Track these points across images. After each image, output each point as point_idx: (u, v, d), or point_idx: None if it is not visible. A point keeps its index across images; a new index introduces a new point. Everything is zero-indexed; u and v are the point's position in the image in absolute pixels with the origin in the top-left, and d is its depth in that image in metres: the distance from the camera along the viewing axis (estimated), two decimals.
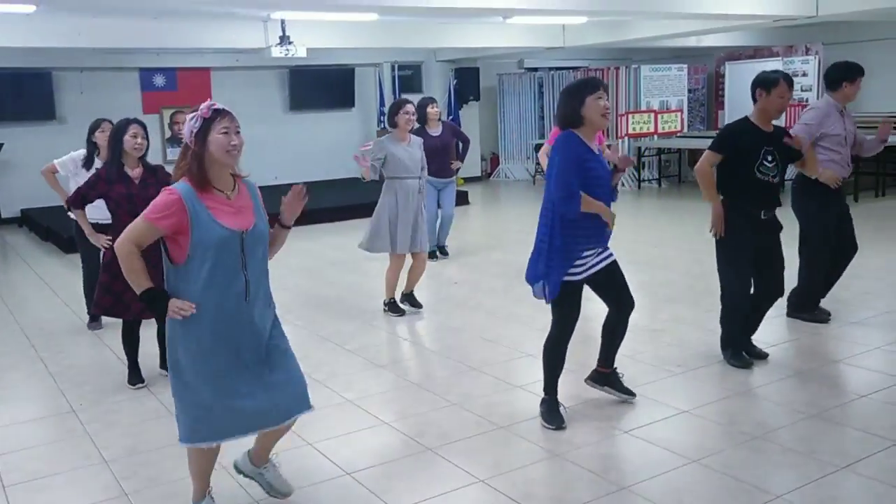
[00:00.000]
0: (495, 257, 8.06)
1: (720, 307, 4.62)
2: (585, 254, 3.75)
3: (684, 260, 7.43)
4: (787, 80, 4.39)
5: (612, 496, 3.16)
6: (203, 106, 2.80)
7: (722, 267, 4.51)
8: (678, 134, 13.74)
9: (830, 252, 5.20)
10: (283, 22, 9.57)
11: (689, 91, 14.50)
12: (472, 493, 3.26)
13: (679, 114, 13.82)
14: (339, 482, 3.39)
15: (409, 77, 14.72)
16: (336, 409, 4.24)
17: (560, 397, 3.91)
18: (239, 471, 3.25)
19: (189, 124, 2.79)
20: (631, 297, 3.95)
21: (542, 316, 4.43)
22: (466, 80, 14.65)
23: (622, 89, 13.48)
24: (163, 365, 4.77)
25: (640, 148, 13.34)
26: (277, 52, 9.58)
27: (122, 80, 12.29)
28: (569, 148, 3.66)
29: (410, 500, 3.20)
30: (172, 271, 2.81)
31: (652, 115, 13.51)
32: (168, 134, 12.53)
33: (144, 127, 4.57)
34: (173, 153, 12.55)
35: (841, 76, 5.10)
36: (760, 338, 5.01)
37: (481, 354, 5.02)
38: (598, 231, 3.76)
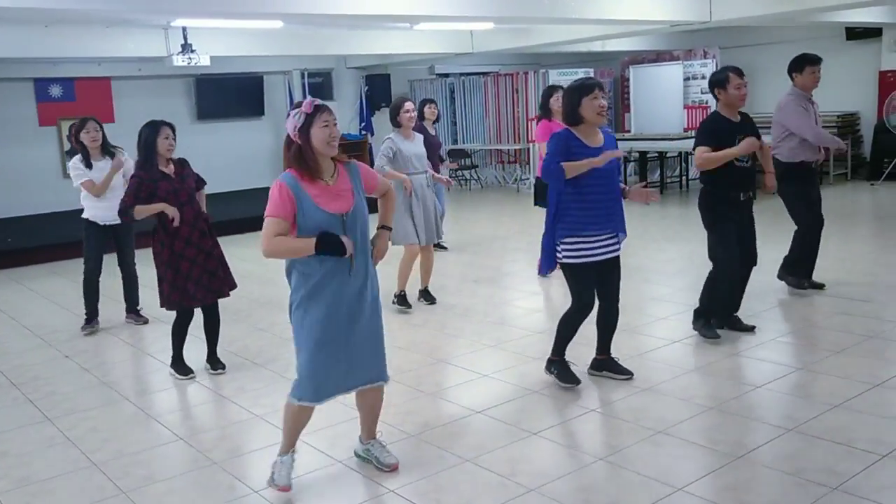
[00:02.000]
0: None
1: (705, 281, 5.02)
2: (589, 234, 4.09)
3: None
4: (736, 70, 4.80)
5: (519, 499, 3.18)
6: (305, 102, 3.09)
7: (713, 245, 4.94)
8: None
9: (817, 225, 5.84)
10: (184, 29, 9.30)
11: None
12: (381, 500, 3.24)
13: None
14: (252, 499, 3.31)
15: (319, 84, 14.57)
16: (243, 424, 4.15)
17: (472, 403, 3.93)
18: (357, 455, 3.58)
19: (292, 119, 3.07)
20: (617, 292, 4.33)
21: (462, 324, 4.40)
22: (378, 86, 14.61)
23: (531, 94, 13.70)
24: (209, 360, 4.98)
25: None
26: (180, 60, 9.31)
27: (14, 90, 11.73)
28: (557, 141, 4.11)
29: None
30: None
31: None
32: (67, 146, 12.07)
33: (173, 128, 4.76)
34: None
35: (792, 68, 5.70)
36: (664, 335, 5.18)
37: (396, 362, 5.00)
38: (601, 214, 4.11)
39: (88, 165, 5.94)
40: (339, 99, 14.97)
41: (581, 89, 4.07)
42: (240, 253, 8.89)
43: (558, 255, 4.16)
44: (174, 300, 4.70)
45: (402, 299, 6.16)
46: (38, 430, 4.23)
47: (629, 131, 14.44)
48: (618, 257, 4.26)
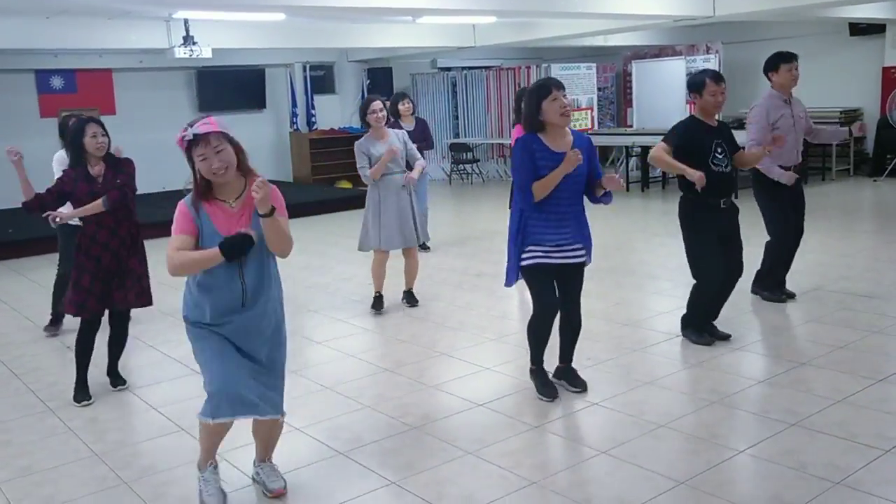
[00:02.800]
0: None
1: (690, 290, 4.87)
2: (549, 242, 3.91)
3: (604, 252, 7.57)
4: (714, 76, 4.63)
5: (521, 492, 3.18)
6: (178, 135, 2.83)
7: (693, 255, 4.76)
8: (588, 131, 14.03)
9: (792, 235, 5.55)
10: (186, 22, 9.30)
11: (599, 89, 14.82)
12: (384, 496, 3.23)
13: (589, 111, 14.12)
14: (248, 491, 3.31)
15: (321, 77, 14.56)
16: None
17: (474, 396, 3.92)
18: (252, 479, 3.39)
19: (181, 141, 2.85)
20: (577, 305, 4.14)
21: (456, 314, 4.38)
22: (379, 80, 14.60)
23: None
24: (110, 373, 4.72)
25: None
26: (181, 52, 9.31)
27: (16, 82, 11.72)
28: (521, 149, 3.90)
29: None
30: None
31: None
32: None
33: (102, 124, 4.47)
34: None
35: (767, 68, 5.43)
36: (667, 329, 5.18)
37: (397, 355, 5.00)
38: (558, 223, 3.92)
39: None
40: (341, 92, 14.97)
41: (539, 91, 3.83)
42: None
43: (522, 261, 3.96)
44: (89, 306, 4.39)
45: (376, 302, 5.97)
46: (39, 420, 4.23)
47: (631, 126, 14.42)
48: (581, 264, 4.05)
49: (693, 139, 4.58)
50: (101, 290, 4.39)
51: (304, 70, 14.13)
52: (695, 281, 4.81)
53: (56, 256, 6.09)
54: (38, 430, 4.10)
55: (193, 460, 3.62)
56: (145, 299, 4.58)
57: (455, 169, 14.60)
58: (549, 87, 3.81)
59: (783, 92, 5.42)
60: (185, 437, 3.92)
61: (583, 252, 4.03)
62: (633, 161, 13.50)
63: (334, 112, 14.77)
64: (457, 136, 15.20)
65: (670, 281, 6.49)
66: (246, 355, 3.01)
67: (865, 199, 10.72)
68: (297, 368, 4.69)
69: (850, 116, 12.43)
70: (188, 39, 9.35)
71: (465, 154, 14.54)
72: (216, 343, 2.97)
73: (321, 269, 7.60)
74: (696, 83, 4.66)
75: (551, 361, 4.27)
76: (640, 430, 3.70)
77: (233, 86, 13.32)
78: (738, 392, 4.10)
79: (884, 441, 3.43)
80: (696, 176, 4.40)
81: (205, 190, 2.89)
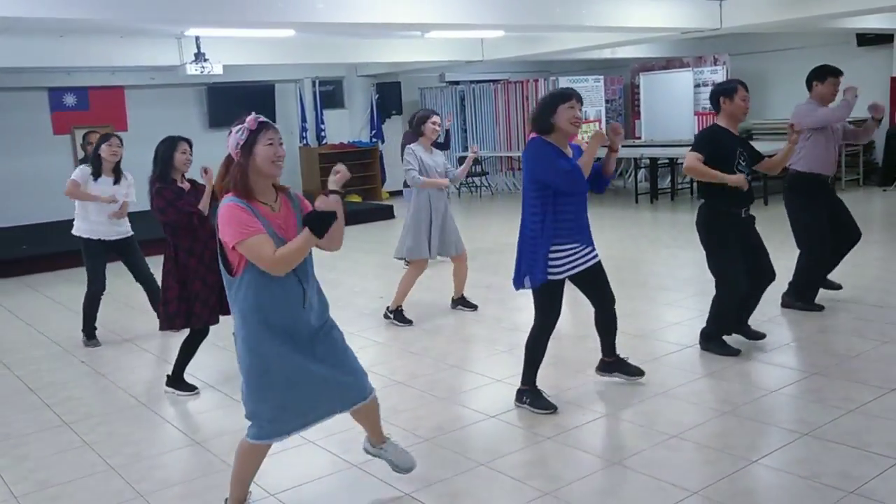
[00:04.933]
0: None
1: (711, 304, 4.87)
2: (568, 247, 3.97)
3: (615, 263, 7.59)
4: (743, 84, 4.74)
5: (534, 503, 3.19)
6: (249, 118, 2.85)
7: (716, 265, 4.77)
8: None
9: (829, 243, 5.58)
10: (197, 39, 9.40)
11: (607, 101, 14.87)
12: None
13: (598, 124, 14.16)
14: None
15: (330, 92, 14.67)
16: None
17: (486, 408, 3.93)
18: (366, 451, 3.43)
19: (234, 136, 2.85)
20: (611, 294, 4.27)
21: (468, 326, 4.37)
22: (388, 94, 14.69)
23: None
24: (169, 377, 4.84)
25: None
26: (193, 69, 9.40)
27: (29, 100, 11.87)
28: (538, 148, 3.95)
29: None
30: (234, 283, 2.86)
31: None
32: (81, 155, 12.17)
33: (190, 143, 4.76)
34: None
35: (810, 78, 5.56)
36: (677, 340, 5.19)
37: (410, 368, 5.02)
38: (581, 225, 4.03)
39: (95, 176, 5.88)
40: (350, 107, 15.07)
41: (560, 96, 3.93)
42: None
43: (528, 280, 4.01)
44: (180, 317, 4.60)
45: (399, 314, 6.02)
46: (55, 435, 4.27)
47: (640, 138, 14.45)
48: (600, 261, 4.14)
49: (720, 146, 4.63)
50: (214, 301, 4.59)
51: (314, 85, 14.24)
52: (716, 291, 4.82)
53: (63, 273, 6.14)
54: (55, 444, 4.14)
55: (208, 472, 3.66)
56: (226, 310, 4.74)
57: (464, 182, 14.65)
58: (571, 94, 3.94)
59: (822, 103, 5.52)
60: (199, 451, 3.95)
61: (595, 251, 4.13)
62: (641, 172, 13.52)
63: (343, 126, 14.87)
64: (465, 149, 15.26)
65: (681, 292, 6.50)
66: (309, 356, 2.94)
67: (875, 208, 10.70)
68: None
69: (859, 127, 12.40)
70: (199, 56, 9.44)
71: (474, 167, 14.59)
72: (283, 362, 2.88)
73: (332, 283, 7.63)
74: (729, 88, 4.72)
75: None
76: (652, 440, 3.71)
77: (243, 101, 13.39)
78: (750, 402, 4.10)
79: None
80: (738, 180, 4.50)
81: (247, 192, 2.84)
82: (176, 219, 4.59)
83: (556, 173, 3.90)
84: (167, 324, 4.69)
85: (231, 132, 2.86)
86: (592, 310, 4.33)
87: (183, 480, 3.62)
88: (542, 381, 4.55)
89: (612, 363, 4.45)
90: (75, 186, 5.88)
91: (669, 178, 12.71)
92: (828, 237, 5.57)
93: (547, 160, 3.91)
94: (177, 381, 4.77)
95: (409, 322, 6.01)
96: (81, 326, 6.03)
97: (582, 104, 3.96)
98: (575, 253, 4.00)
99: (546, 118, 3.93)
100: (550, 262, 3.97)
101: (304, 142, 14.31)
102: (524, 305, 6.49)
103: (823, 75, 5.54)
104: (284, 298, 2.87)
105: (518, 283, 4.10)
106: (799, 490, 3.16)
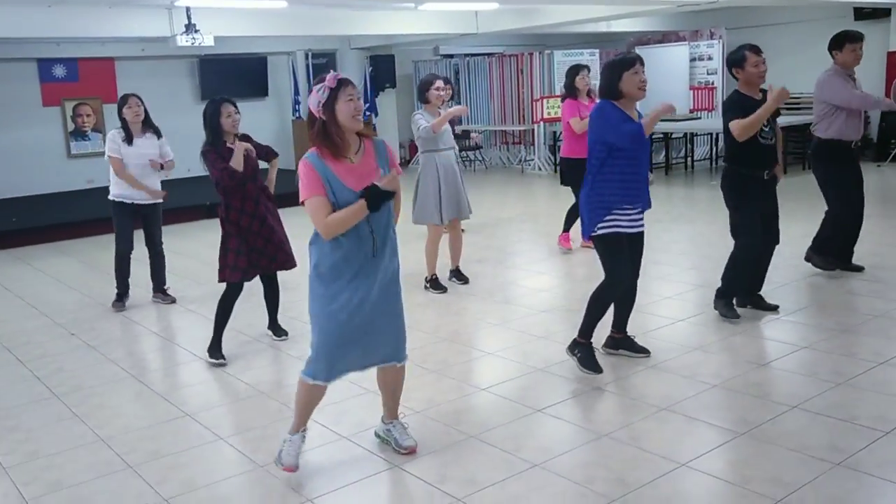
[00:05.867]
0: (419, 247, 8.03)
1: (727, 261, 4.96)
2: (626, 207, 4.09)
3: None
4: (752, 48, 4.75)
5: (523, 474, 3.20)
6: (328, 76, 3.00)
7: (736, 221, 4.89)
8: None
9: (854, 207, 5.74)
10: (188, 9, 9.26)
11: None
12: (386, 480, 3.27)
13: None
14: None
15: (323, 65, 14.51)
16: (247, 401, 4.18)
17: (478, 382, 3.93)
18: (377, 435, 3.55)
19: (316, 95, 2.98)
20: (639, 268, 4.32)
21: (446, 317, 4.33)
22: (382, 67, 14.55)
23: (536, 74, 13.64)
24: (271, 326, 5.16)
25: (555, 132, 13.54)
26: (183, 40, 9.27)
27: (18, 71, 11.72)
28: (604, 111, 4.06)
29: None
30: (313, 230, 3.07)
31: None
32: (71, 127, 12.08)
33: (234, 103, 4.77)
34: (77, 147, 12.11)
35: (832, 46, 5.57)
36: (669, 314, 5.19)
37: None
38: (638, 186, 4.12)
39: (128, 141, 5.87)
40: None
41: (623, 63, 4.01)
42: None
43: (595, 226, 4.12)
44: (239, 267, 4.67)
45: (434, 282, 6.10)
46: (45, 407, 4.26)
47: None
48: (643, 233, 4.25)
49: (745, 112, 4.66)
50: (272, 251, 4.76)
51: (307, 58, 14.10)
52: (733, 248, 4.93)
53: (54, 246, 6.11)
54: (44, 416, 4.14)
55: (198, 445, 3.67)
56: (291, 262, 4.88)
57: (458, 156, 14.57)
58: (634, 60, 4.01)
59: (846, 68, 5.55)
60: (190, 423, 3.95)
61: (643, 220, 4.22)
62: None
63: None
64: (459, 122, 15.16)
65: (673, 266, 6.50)
66: (365, 310, 3.10)
67: (870, 183, 10.56)
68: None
69: None
70: (190, 27, 9.31)
71: (467, 141, 14.52)
72: (339, 312, 3.08)
73: None
74: (737, 59, 4.75)
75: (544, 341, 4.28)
76: (642, 413, 3.72)
77: (235, 74, 13.29)
78: (738, 375, 4.11)
79: (885, 423, 3.44)
80: (781, 91, 4.48)
81: (333, 148, 3.00)
82: (219, 177, 4.62)
83: (619, 135, 4.01)
84: (226, 274, 4.72)
85: (312, 92, 3.01)
86: (587, 285, 4.31)
87: (172, 452, 3.61)
88: (531, 354, 4.57)
89: (620, 339, 4.46)
90: (120, 166, 5.89)
91: (664, 153, 12.67)
92: (854, 202, 5.73)
93: (612, 122, 4.01)
94: (214, 346, 4.79)
95: (443, 290, 6.06)
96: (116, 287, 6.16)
97: (644, 66, 4.03)
98: (627, 215, 4.10)
99: (613, 86, 4.02)
100: (607, 219, 4.08)
101: (297, 115, 14.20)
102: (516, 279, 6.50)
103: (841, 42, 5.53)
104: (357, 245, 3.05)
105: (585, 235, 4.25)
106: (787, 462, 3.17)
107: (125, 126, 5.89)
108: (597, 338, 4.37)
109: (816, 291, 5.58)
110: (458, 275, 6.31)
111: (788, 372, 4.15)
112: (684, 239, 7.67)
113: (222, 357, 4.75)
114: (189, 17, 9.33)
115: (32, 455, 3.66)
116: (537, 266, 6.98)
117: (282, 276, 5.03)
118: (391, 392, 3.46)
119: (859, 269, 5.92)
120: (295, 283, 5.42)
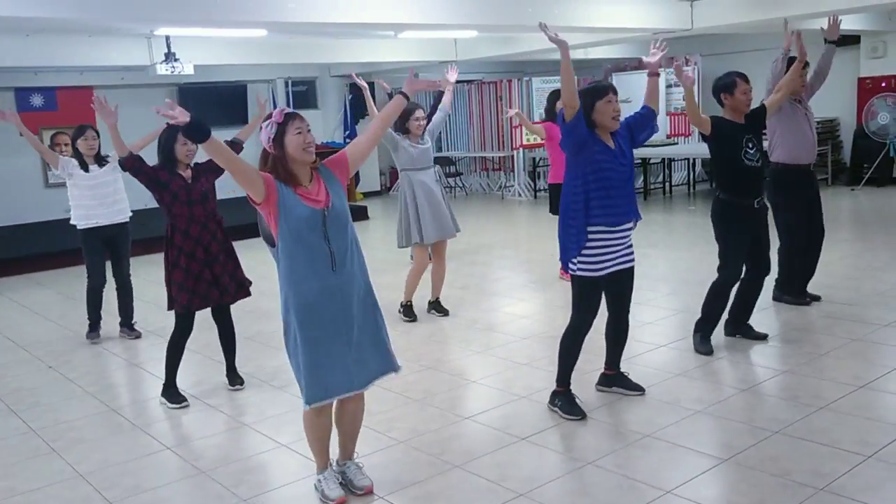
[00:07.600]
0: (400, 275, 8.02)
1: (707, 291, 4.91)
2: (613, 227, 3.91)
3: None
4: (741, 76, 4.77)
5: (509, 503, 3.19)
6: (275, 112, 3.07)
7: (724, 253, 4.82)
8: None
9: (806, 237, 5.65)
10: (167, 38, 9.29)
11: None
12: None
13: None
14: None
15: (303, 93, 14.58)
16: (231, 433, 4.13)
17: (462, 411, 3.92)
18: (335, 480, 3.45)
19: (265, 132, 3.06)
20: (627, 311, 4.21)
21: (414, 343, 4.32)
22: (362, 95, 14.60)
23: (514, 101, 13.76)
24: (228, 373, 4.83)
25: (534, 158, 13.64)
26: (163, 69, 9.28)
27: None
28: (580, 119, 3.87)
29: None
30: (275, 254, 3.11)
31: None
32: None
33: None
34: (55, 176, 11.99)
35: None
36: (650, 340, 5.21)
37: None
38: (616, 203, 3.91)
39: (84, 168, 5.88)
40: (324, 107, 14.99)
41: (595, 92, 3.88)
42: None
43: (573, 264, 3.94)
44: (182, 302, 4.46)
45: (408, 310, 6.04)
46: (22, 441, 4.19)
47: None
48: (632, 269, 4.11)
49: (723, 134, 4.66)
50: (215, 281, 4.52)
51: (287, 85, 14.15)
52: (716, 277, 4.87)
53: (31, 277, 6.03)
54: (21, 451, 4.06)
55: (179, 479, 3.62)
56: (244, 292, 4.70)
57: (439, 175, 14.62)
58: (606, 89, 3.91)
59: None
60: (169, 456, 3.89)
61: (633, 254, 4.08)
62: None
63: (317, 127, 14.74)
64: (440, 149, 15.24)
65: (653, 291, 6.54)
66: (343, 327, 3.12)
67: (844, 208, 10.84)
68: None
69: (828, 127, 12.60)
70: (170, 56, 9.33)
71: (448, 167, 14.58)
72: (319, 336, 3.08)
73: None
74: (727, 84, 4.74)
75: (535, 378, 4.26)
76: (625, 440, 3.72)
77: (215, 102, 13.27)
78: (721, 401, 4.13)
79: (866, 447, 3.47)
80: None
81: (290, 179, 3.06)
82: (147, 183, 4.46)
83: (576, 139, 3.88)
84: (171, 304, 4.54)
85: (262, 128, 3.09)
86: (569, 312, 4.27)
87: (152, 486, 3.56)
88: (514, 382, 4.55)
89: (613, 377, 4.35)
90: (43, 147, 6.25)
91: (642, 178, 12.79)
92: (804, 229, 5.62)
93: (577, 116, 3.84)
94: (168, 389, 4.60)
95: (413, 318, 6.02)
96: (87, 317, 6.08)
97: (617, 95, 3.91)
98: (609, 247, 3.96)
99: (586, 115, 3.86)
100: (581, 258, 3.91)
101: None
102: (498, 306, 6.51)
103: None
104: (311, 261, 3.06)
105: (563, 265, 4.09)
106: (770, 487, 3.18)
107: (78, 157, 5.89)
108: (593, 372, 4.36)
109: (795, 315, 5.63)
110: (437, 307, 6.23)
111: (770, 396, 4.18)
112: (663, 263, 7.72)
113: (183, 399, 4.56)
114: (169, 46, 9.35)
115: (9, 492, 3.58)
116: (519, 293, 6.99)
117: (260, 305, 4.97)
118: (350, 428, 3.37)
119: (817, 298, 5.86)
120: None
